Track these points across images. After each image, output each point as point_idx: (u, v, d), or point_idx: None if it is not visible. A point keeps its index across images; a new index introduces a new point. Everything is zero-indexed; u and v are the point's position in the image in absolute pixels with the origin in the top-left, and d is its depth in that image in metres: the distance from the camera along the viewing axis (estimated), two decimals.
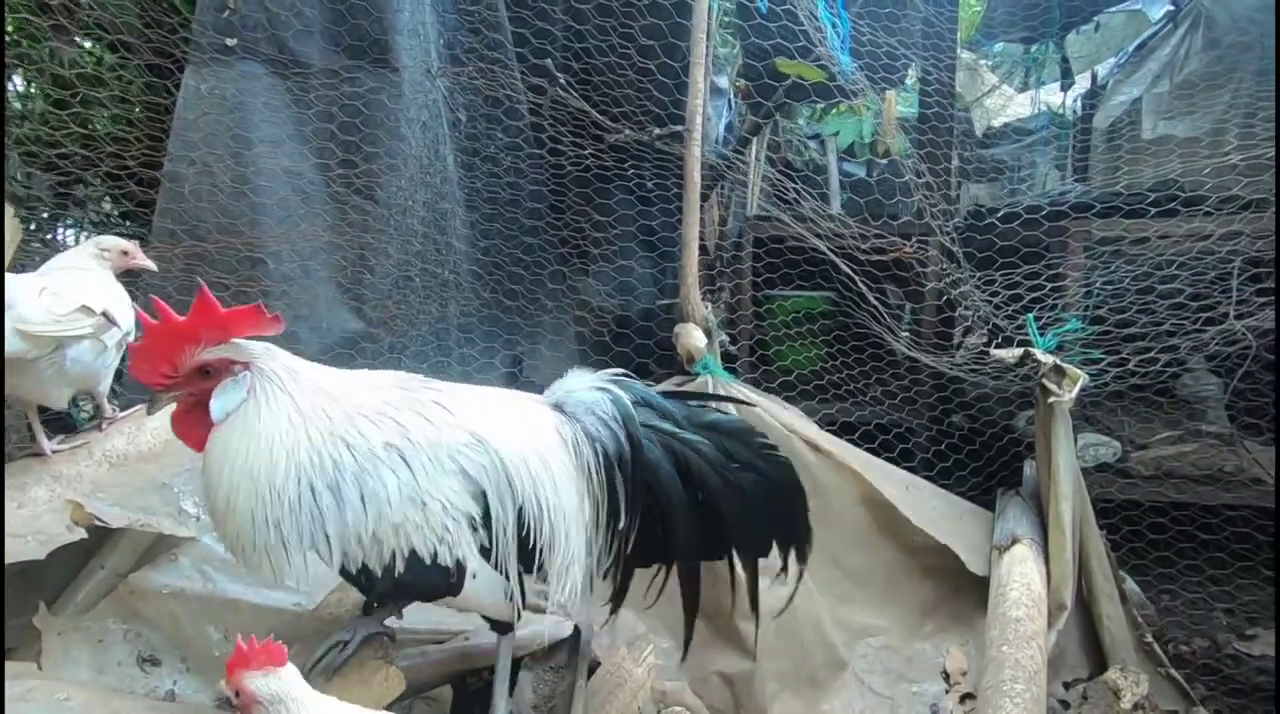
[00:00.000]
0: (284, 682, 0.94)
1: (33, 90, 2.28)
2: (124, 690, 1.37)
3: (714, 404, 1.67)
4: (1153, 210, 2.25)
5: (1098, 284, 2.25)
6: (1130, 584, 2.01)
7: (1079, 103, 4.54)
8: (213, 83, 2.10)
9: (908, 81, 3.30)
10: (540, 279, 2.63)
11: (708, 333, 2.03)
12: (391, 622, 1.44)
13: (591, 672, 1.56)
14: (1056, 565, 1.78)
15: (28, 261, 2.10)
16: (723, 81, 3.39)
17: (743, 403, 1.91)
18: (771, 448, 1.43)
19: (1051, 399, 1.82)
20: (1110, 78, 4.23)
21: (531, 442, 1.29)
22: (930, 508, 2.01)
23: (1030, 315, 2.05)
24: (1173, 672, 1.78)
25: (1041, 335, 2.01)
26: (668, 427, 1.37)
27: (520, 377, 2.60)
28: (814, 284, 2.78)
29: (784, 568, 1.45)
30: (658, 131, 2.47)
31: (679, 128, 2.24)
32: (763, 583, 1.77)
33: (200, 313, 1.13)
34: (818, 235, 2.40)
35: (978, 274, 2.36)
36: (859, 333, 2.56)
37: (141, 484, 1.59)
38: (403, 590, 1.24)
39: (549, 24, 2.53)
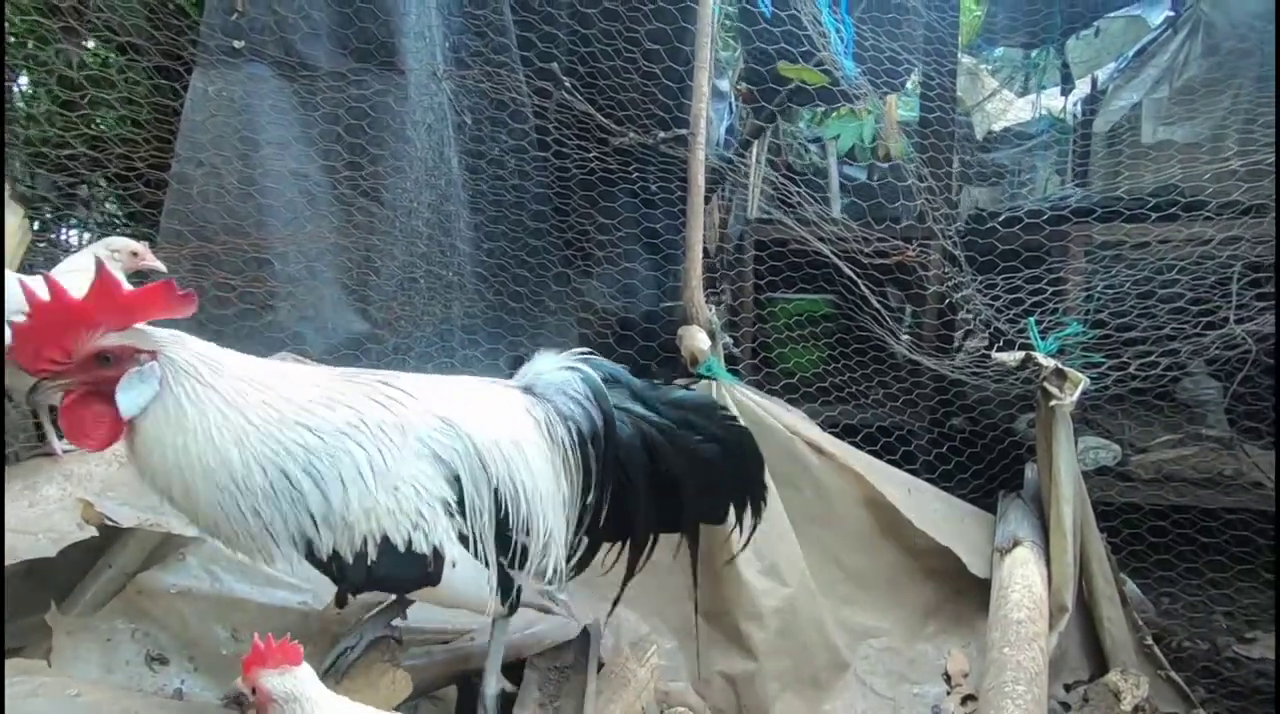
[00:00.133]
0: (299, 681, 0.95)
1: (40, 92, 2.29)
2: (132, 689, 1.38)
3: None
4: (1153, 215, 2.27)
5: (1098, 288, 2.26)
6: (1131, 587, 2.02)
7: (1079, 107, 4.56)
8: (220, 85, 2.12)
9: (908, 85, 3.32)
10: (544, 281, 2.64)
11: (711, 335, 2.04)
12: (396, 620, 1.45)
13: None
14: (1058, 568, 1.79)
15: (33, 261, 2.11)
16: (724, 84, 3.40)
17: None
18: (732, 419, 1.49)
19: (1052, 402, 1.83)
20: (1110, 83, 4.25)
21: (502, 424, 1.27)
22: (932, 510, 2.02)
23: (1031, 319, 2.06)
24: (1173, 674, 1.78)
25: (1042, 339, 2.02)
26: (638, 408, 1.38)
27: None
28: (816, 287, 2.80)
29: (739, 522, 1.47)
30: (662, 135, 2.48)
31: (683, 131, 2.25)
32: (763, 585, 1.79)
33: (100, 294, 1.01)
34: (820, 238, 2.41)
35: (979, 278, 2.38)
36: (861, 336, 2.58)
37: None
38: (377, 581, 1.19)
39: (554, 28, 2.54)
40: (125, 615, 1.46)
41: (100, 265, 1.02)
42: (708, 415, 1.43)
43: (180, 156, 2.10)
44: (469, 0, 2.45)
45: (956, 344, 2.88)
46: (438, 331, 2.44)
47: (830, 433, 2.10)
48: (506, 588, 1.30)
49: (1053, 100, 5.05)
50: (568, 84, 2.51)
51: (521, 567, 1.30)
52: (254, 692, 0.96)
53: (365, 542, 1.14)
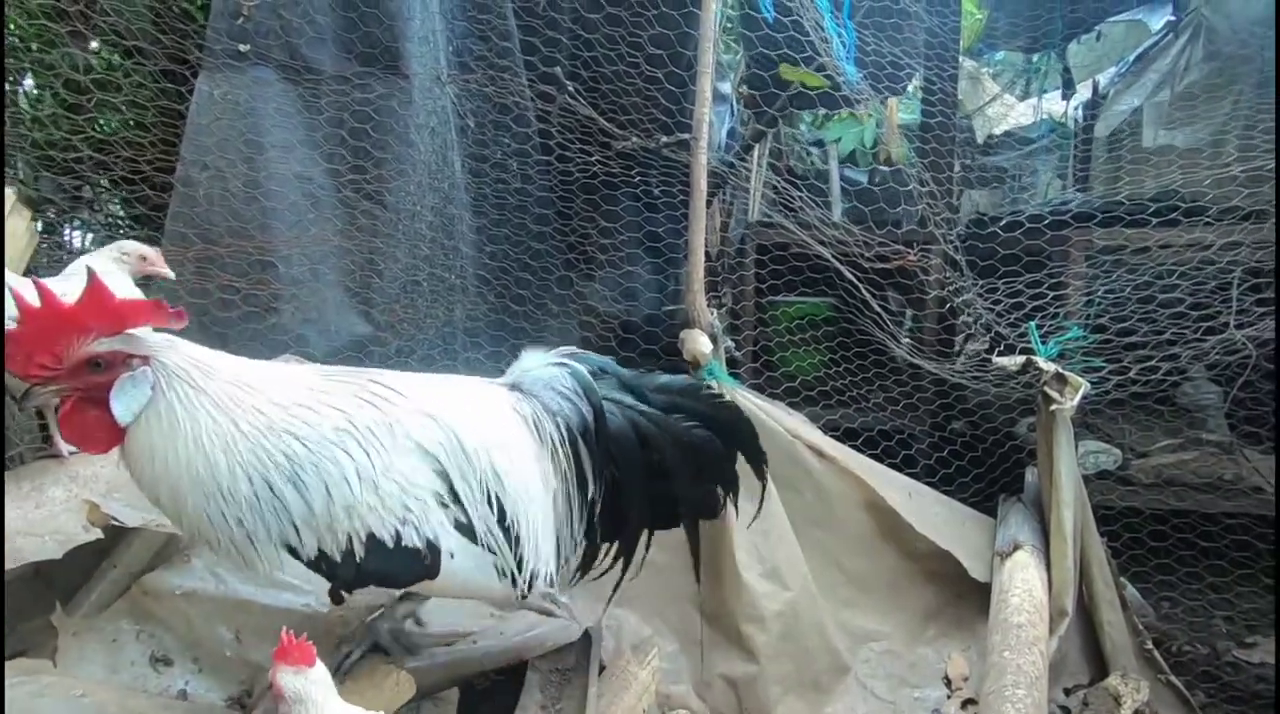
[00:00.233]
0: (310, 682, 0.96)
1: (45, 95, 2.30)
2: (137, 689, 1.39)
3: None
4: (1154, 220, 2.27)
5: (1099, 293, 2.27)
6: (1131, 591, 2.02)
7: (1080, 112, 4.57)
8: (225, 88, 2.13)
9: (910, 89, 3.33)
10: (546, 284, 2.65)
11: (713, 339, 2.05)
12: (410, 625, 1.46)
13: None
14: (1058, 572, 1.79)
15: (36, 262, 2.12)
16: (725, 87, 3.41)
17: None
18: (718, 396, 1.49)
19: (1053, 407, 1.84)
20: (1111, 87, 4.26)
21: (486, 420, 1.26)
22: (933, 514, 2.03)
23: (1032, 323, 2.06)
24: (1173, 679, 1.79)
25: (1043, 343, 2.03)
26: (627, 398, 1.37)
27: None
28: (817, 290, 2.81)
29: (746, 496, 1.46)
30: (664, 139, 2.49)
31: (685, 136, 2.26)
32: (765, 588, 1.80)
33: (91, 301, 1.02)
34: (820, 242, 2.42)
35: (980, 282, 2.38)
36: (862, 339, 2.58)
37: None
38: (368, 577, 1.17)
39: (557, 32, 2.56)
40: (130, 617, 1.47)
41: (91, 273, 1.03)
42: (695, 397, 1.43)
43: (185, 159, 2.11)
44: (473, 5, 2.47)
45: (957, 348, 2.89)
46: (440, 334, 2.45)
47: (831, 436, 2.11)
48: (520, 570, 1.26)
49: (1054, 104, 5.06)
50: (571, 88, 2.52)
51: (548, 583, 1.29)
52: (271, 685, 0.97)
53: (350, 540, 1.13)
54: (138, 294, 1.64)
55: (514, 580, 1.26)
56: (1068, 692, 1.76)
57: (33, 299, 1.02)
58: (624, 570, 1.43)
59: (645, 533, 1.43)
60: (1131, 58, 4.09)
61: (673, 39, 2.46)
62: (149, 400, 1.07)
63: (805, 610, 1.81)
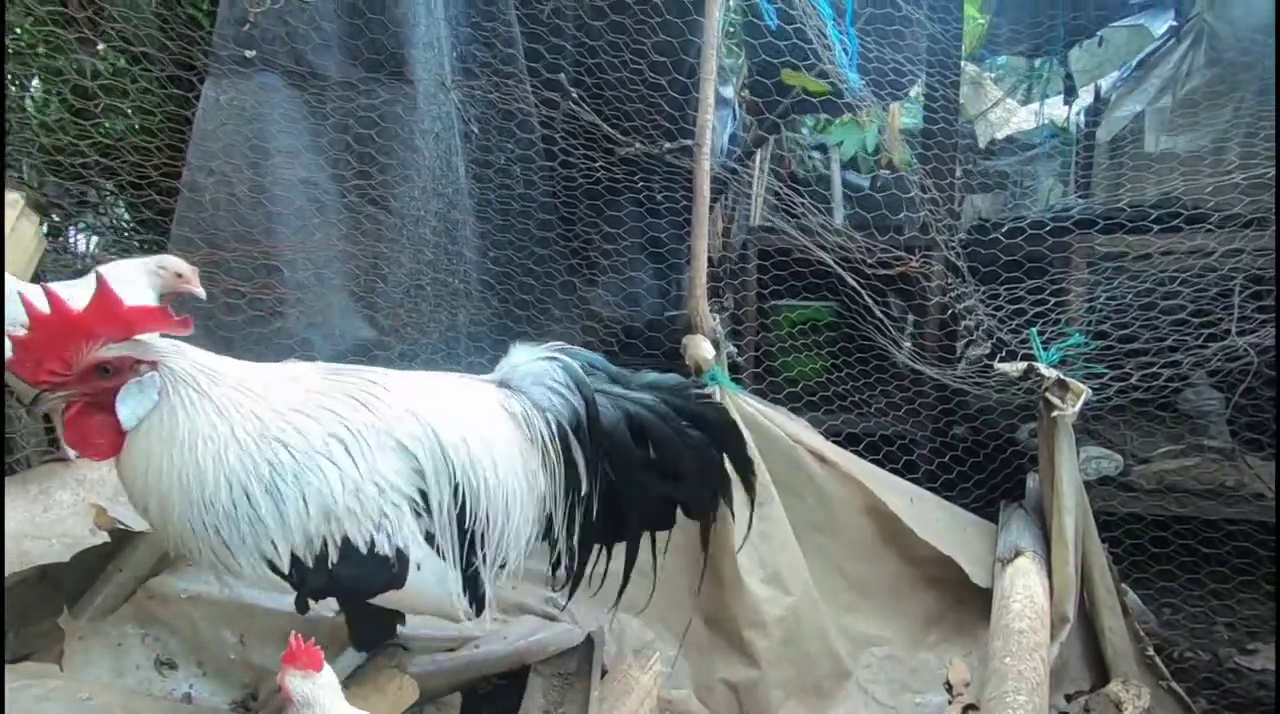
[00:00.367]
0: (317, 686, 0.97)
1: (52, 100, 2.31)
2: (142, 692, 1.40)
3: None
4: (1156, 226, 2.28)
5: (1101, 299, 2.27)
6: (1132, 597, 2.03)
7: (1082, 117, 4.58)
8: (232, 94, 2.14)
9: (912, 94, 3.34)
10: (550, 289, 2.66)
11: (715, 344, 2.05)
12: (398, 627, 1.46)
13: None
14: (1059, 578, 1.80)
15: (43, 266, 2.13)
16: (727, 91, 3.42)
17: None
18: (707, 396, 1.47)
19: (1055, 413, 1.84)
20: (1113, 92, 4.28)
21: (470, 417, 1.24)
22: (934, 519, 2.03)
23: (1034, 329, 2.07)
24: (1174, 685, 1.79)
25: (1045, 349, 2.03)
26: (616, 390, 1.36)
27: None
28: (819, 296, 2.81)
29: (739, 503, 1.44)
30: (667, 145, 2.50)
31: (688, 142, 2.27)
32: (766, 593, 1.80)
33: (100, 307, 1.03)
34: (822, 247, 2.43)
35: (981, 288, 2.39)
36: (863, 344, 2.59)
37: None
38: (338, 584, 1.16)
39: (561, 39, 2.57)
40: (136, 620, 1.48)
41: (100, 278, 1.03)
42: (682, 395, 1.41)
43: (192, 164, 2.12)
44: (477, 12, 2.48)
45: (959, 354, 2.89)
46: (444, 339, 2.46)
47: (833, 441, 2.11)
48: (474, 589, 1.26)
49: (1056, 109, 5.07)
50: (574, 94, 2.53)
51: (483, 563, 1.24)
52: (280, 688, 0.98)
53: (325, 544, 1.12)
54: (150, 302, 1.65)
55: (470, 596, 1.25)
56: (1069, 698, 1.76)
57: (42, 306, 1.03)
58: (626, 573, 1.42)
59: (645, 534, 1.42)
60: (1134, 63, 4.10)
61: (675, 45, 2.47)
62: (154, 406, 1.08)
63: (807, 615, 1.82)
